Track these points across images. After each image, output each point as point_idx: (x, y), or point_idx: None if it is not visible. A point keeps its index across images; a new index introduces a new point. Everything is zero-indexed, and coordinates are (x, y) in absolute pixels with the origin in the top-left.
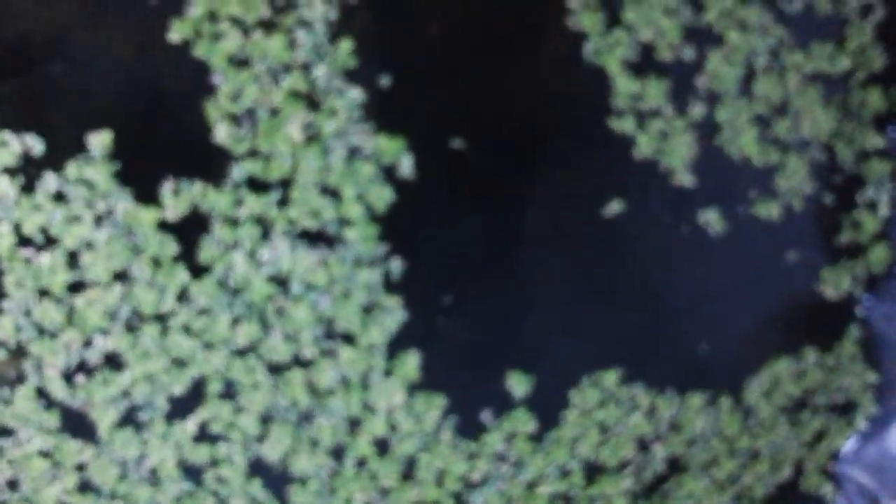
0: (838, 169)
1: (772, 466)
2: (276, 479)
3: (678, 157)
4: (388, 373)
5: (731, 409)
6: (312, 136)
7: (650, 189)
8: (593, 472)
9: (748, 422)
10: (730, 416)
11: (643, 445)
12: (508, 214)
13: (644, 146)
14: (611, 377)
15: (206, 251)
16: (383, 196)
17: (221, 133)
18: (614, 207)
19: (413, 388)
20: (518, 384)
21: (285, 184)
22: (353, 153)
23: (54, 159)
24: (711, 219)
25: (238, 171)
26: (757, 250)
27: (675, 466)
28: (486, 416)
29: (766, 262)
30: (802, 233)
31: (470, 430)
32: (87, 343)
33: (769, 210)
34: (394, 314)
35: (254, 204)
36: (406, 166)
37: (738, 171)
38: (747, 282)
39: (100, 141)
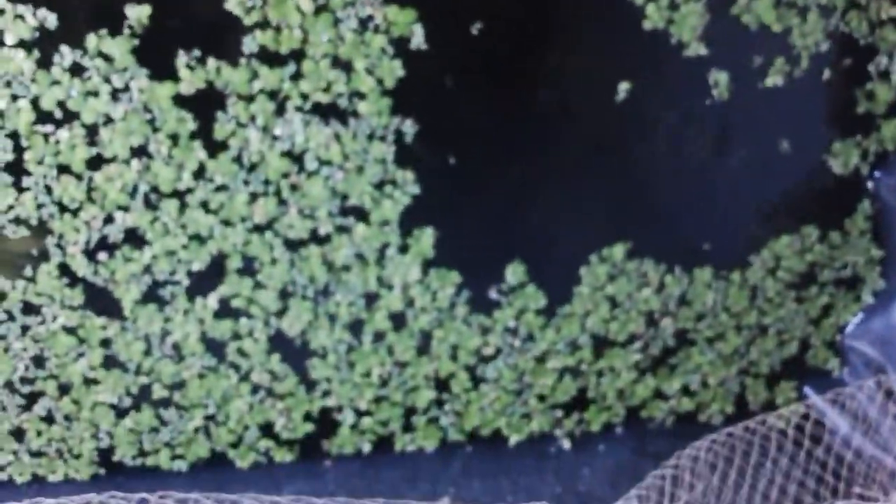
0: (851, 39)
1: (778, 341)
2: (295, 353)
3: (689, 27)
4: (403, 249)
5: (739, 286)
6: (322, 6)
7: (659, 64)
8: (602, 345)
9: (755, 298)
10: (738, 292)
11: (652, 320)
12: (520, 91)
13: (654, 17)
14: (618, 251)
15: (222, 128)
16: (394, 69)
17: (231, 1)
18: (624, 86)
19: (428, 265)
20: (514, 273)
21: (297, 57)
22: (364, 24)
23: (69, 34)
24: (720, 80)
25: (249, 43)
26: (766, 126)
27: (683, 340)
28: (494, 293)
29: (775, 137)
30: (813, 107)
31: (482, 306)
32: (108, 220)
33: (777, 80)
34: (406, 189)
35: (267, 78)
36: (418, 38)
37: (749, 40)
38: (756, 159)
39: (136, 14)
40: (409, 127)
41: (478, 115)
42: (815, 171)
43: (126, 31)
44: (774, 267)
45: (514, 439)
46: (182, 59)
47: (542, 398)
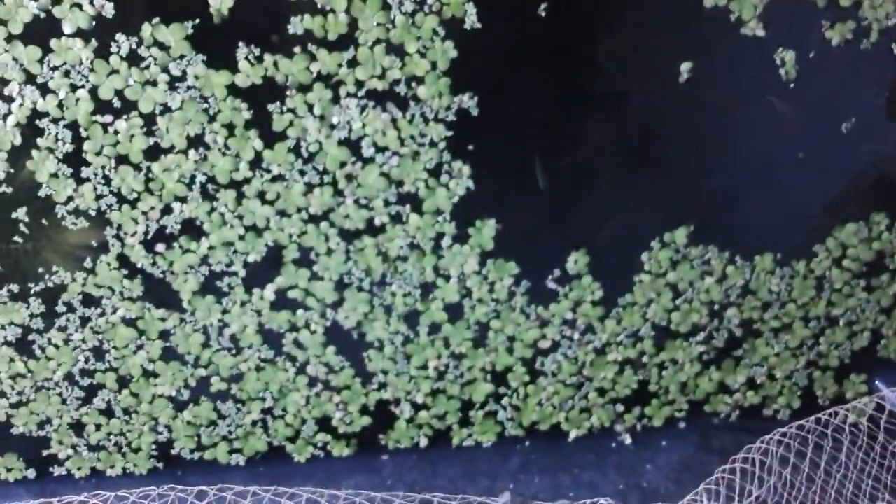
0: None
1: (848, 333)
2: (351, 345)
3: (749, 4)
4: (459, 239)
5: (805, 276)
6: None
7: (722, 43)
8: (664, 337)
9: (822, 288)
10: (803, 282)
11: (715, 310)
12: (578, 73)
13: None
14: (680, 235)
15: (279, 118)
16: (447, 51)
17: None
18: (686, 66)
19: (485, 256)
20: (577, 263)
21: (352, 43)
22: (418, 5)
23: (126, 22)
24: (787, 59)
25: (295, 25)
26: (832, 107)
27: (748, 332)
28: (551, 283)
29: (842, 118)
30: (883, 87)
31: (540, 297)
32: (166, 210)
33: (846, 58)
34: (461, 177)
35: (322, 65)
36: (471, 17)
37: (811, 18)
38: (821, 142)
39: (217, 2)
40: (472, 103)
41: (535, 100)
42: (883, 155)
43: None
44: (841, 256)
45: (573, 434)
46: (242, 51)
47: (602, 392)
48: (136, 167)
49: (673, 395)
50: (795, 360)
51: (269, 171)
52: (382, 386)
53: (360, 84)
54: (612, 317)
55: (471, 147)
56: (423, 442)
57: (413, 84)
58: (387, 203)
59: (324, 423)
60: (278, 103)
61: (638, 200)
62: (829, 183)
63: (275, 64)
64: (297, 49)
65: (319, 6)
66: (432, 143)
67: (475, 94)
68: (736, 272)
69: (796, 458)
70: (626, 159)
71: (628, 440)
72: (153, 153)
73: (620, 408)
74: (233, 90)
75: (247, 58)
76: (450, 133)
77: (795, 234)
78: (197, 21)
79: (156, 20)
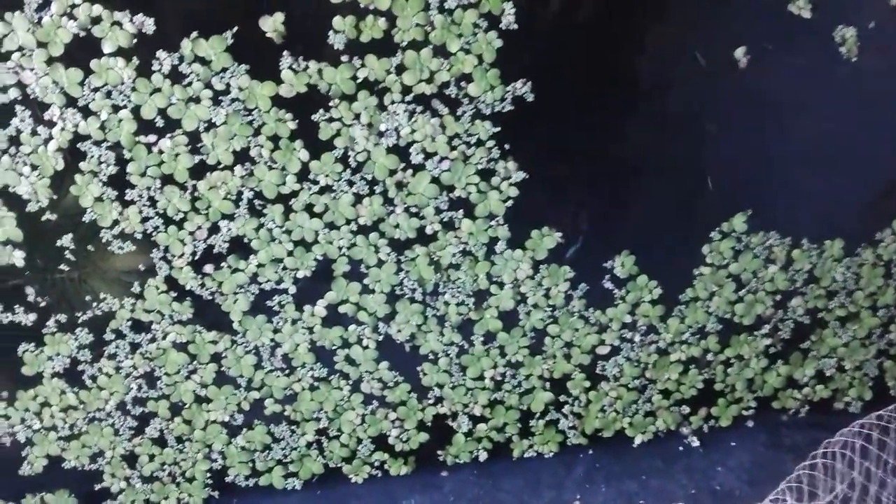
0: None
1: None
2: (405, 359)
3: None
4: (512, 244)
5: (873, 263)
6: None
7: (780, 26)
8: (728, 332)
9: (890, 275)
10: (871, 269)
11: (779, 301)
12: (628, 64)
13: None
14: (738, 222)
15: (326, 127)
16: (491, 42)
17: None
18: (740, 52)
19: (538, 262)
20: (624, 266)
21: (398, 47)
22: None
23: (166, 39)
24: (847, 36)
25: (339, 26)
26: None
27: (814, 322)
28: (607, 285)
29: None
30: None
31: (596, 301)
32: (213, 230)
33: None
34: (512, 179)
35: (370, 71)
36: (509, 15)
37: None
38: (887, 122)
39: (271, 24)
40: (526, 88)
41: (585, 89)
42: None
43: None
44: None
45: (638, 439)
46: (286, 61)
47: (666, 394)
48: (182, 186)
49: (740, 392)
50: (865, 349)
51: (316, 182)
52: (438, 400)
53: (407, 89)
54: (675, 315)
55: (519, 144)
56: (483, 456)
57: (462, 83)
58: (438, 210)
59: (380, 442)
60: (323, 111)
61: (693, 191)
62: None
63: (319, 72)
64: (344, 57)
65: (363, 6)
66: (480, 143)
67: (527, 79)
68: (802, 256)
69: (878, 450)
70: (678, 149)
71: (696, 442)
72: (198, 171)
73: (686, 409)
74: (277, 101)
75: (290, 67)
76: (497, 129)
77: (861, 219)
78: (236, 30)
79: (194, 34)
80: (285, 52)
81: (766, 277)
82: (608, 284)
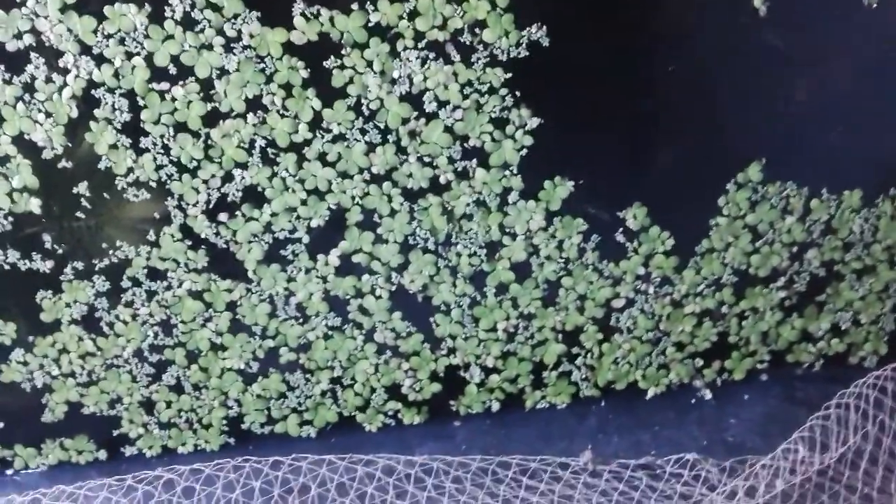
0: None
1: None
2: (418, 310)
3: None
4: (525, 195)
5: (892, 215)
6: None
7: None
8: (743, 285)
9: None
10: (889, 222)
11: (795, 252)
12: (644, 8)
13: None
14: (754, 171)
15: (338, 75)
16: None
17: None
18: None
19: (552, 213)
20: (636, 217)
21: None
22: None
23: None
24: None
25: None
26: None
27: (830, 275)
28: (620, 237)
29: None
30: None
31: (609, 253)
32: (227, 178)
33: None
34: (526, 127)
35: (383, 17)
36: None
37: None
38: None
39: None
40: (542, 33)
41: (599, 36)
42: None
43: None
44: None
45: (651, 392)
46: (298, 7)
47: (680, 346)
48: (195, 134)
49: (754, 346)
50: (881, 303)
51: (329, 130)
52: (451, 351)
53: (420, 36)
54: (691, 266)
55: (533, 92)
56: (496, 406)
57: (476, 30)
58: (451, 160)
59: (394, 391)
60: (334, 59)
61: (707, 139)
62: None
63: (331, 20)
64: (355, 5)
65: None
66: (493, 90)
67: (542, 23)
68: (820, 206)
69: (893, 403)
70: (693, 96)
71: (709, 395)
72: (211, 119)
73: (699, 362)
74: (289, 48)
75: (303, 13)
76: (509, 75)
77: (880, 171)
78: None
79: None
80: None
81: (782, 228)
82: (620, 237)
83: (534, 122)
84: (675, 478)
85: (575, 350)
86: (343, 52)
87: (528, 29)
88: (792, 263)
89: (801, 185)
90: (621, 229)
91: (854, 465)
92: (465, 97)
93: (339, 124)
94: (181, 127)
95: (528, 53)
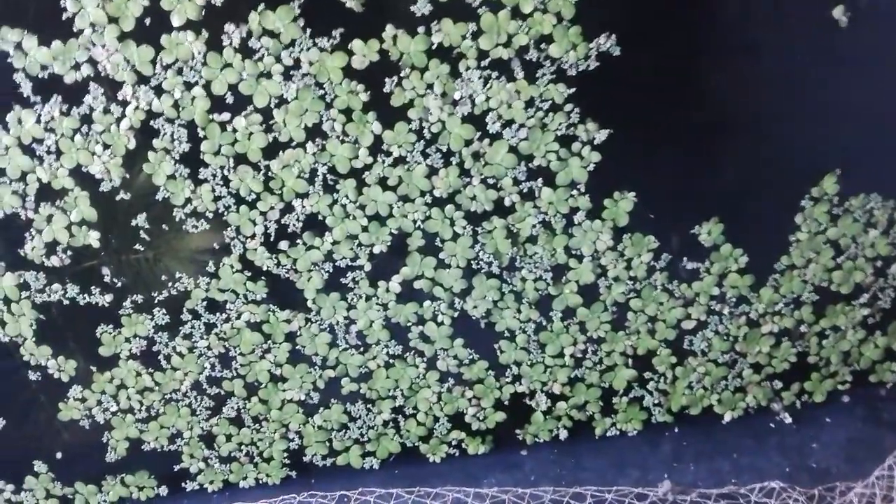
0: None
1: None
2: (482, 336)
3: None
4: (592, 214)
5: None
6: None
7: None
8: (824, 302)
9: None
10: None
11: (879, 267)
12: (718, 20)
13: None
14: (830, 182)
15: (399, 93)
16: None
17: None
18: (838, 11)
19: (620, 232)
20: (712, 232)
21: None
22: None
23: (235, 10)
24: None
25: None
26: None
27: None
28: (687, 260)
29: None
30: None
31: (681, 274)
32: (287, 209)
33: None
34: (595, 142)
35: (445, 36)
36: None
37: None
38: None
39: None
40: (611, 42)
41: (669, 48)
42: None
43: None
44: None
45: (728, 416)
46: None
47: (757, 368)
48: (255, 167)
49: (835, 366)
50: None
51: (389, 153)
52: (516, 378)
53: (483, 54)
54: (769, 284)
55: (602, 105)
56: (563, 434)
57: (542, 45)
58: (516, 181)
59: (457, 420)
60: (395, 78)
61: (782, 151)
62: None
63: (394, 38)
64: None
65: None
66: (556, 107)
67: (611, 33)
68: None
69: None
70: (765, 110)
71: (788, 419)
72: (271, 150)
73: (778, 385)
74: (348, 72)
75: (361, 36)
76: (573, 90)
77: None
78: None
79: (261, 7)
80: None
81: (865, 243)
82: (690, 258)
83: (602, 135)
84: None
85: (646, 374)
86: (402, 73)
87: (596, 40)
88: (876, 279)
89: (886, 196)
90: (690, 249)
91: None
92: (530, 117)
93: (399, 146)
94: (241, 158)
95: (598, 64)
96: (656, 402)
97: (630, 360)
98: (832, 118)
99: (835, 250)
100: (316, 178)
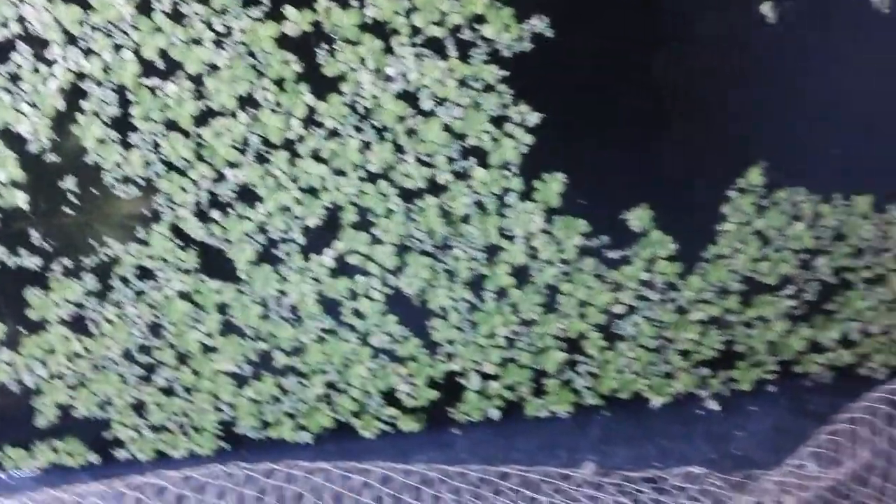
0: None
1: None
2: (415, 314)
3: None
4: (525, 196)
5: None
6: None
7: None
8: (751, 293)
9: None
10: None
11: (806, 260)
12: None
13: None
14: (755, 174)
15: (331, 64)
16: None
17: None
18: (767, 7)
19: (552, 213)
20: (642, 219)
21: None
22: None
23: None
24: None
25: None
26: None
27: (840, 283)
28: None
29: None
30: None
31: (612, 259)
32: (219, 177)
33: None
34: (525, 124)
35: (379, 12)
36: None
37: None
38: None
39: None
40: (544, 24)
41: (602, 34)
42: None
43: None
44: None
45: (657, 401)
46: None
47: (685, 354)
48: (186, 133)
49: (761, 355)
50: (892, 314)
51: (321, 125)
52: (449, 356)
53: (416, 31)
54: (697, 272)
55: (535, 88)
56: (496, 414)
57: (476, 25)
58: (450, 160)
59: (391, 397)
60: (327, 47)
61: (713, 142)
62: None
63: (327, 11)
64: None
65: None
66: (490, 88)
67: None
68: (830, 212)
69: None
70: (698, 102)
71: (715, 406)
72: (203, 119)
73: (706, 372)
74: (281, 43)
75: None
76: (506, 72)
77: (890, 176)
78: None
79: None
80: None
81: (792, 235)
82: (619, 240)
83: (535, 118)
84: (680, 492)
85: (578, 357)
86: (335, 45)
87: (528, 21)
88: (801, 271)
89: (812, 190)
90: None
91: (864, 482)
92: (464, 96)
93: (332, 119)
94: (172, 125)
95: (533, 46)
96: (587, 384)
97: (561, 343)
98: (764, 111)
99: (762, 241)
100: (248, 148)
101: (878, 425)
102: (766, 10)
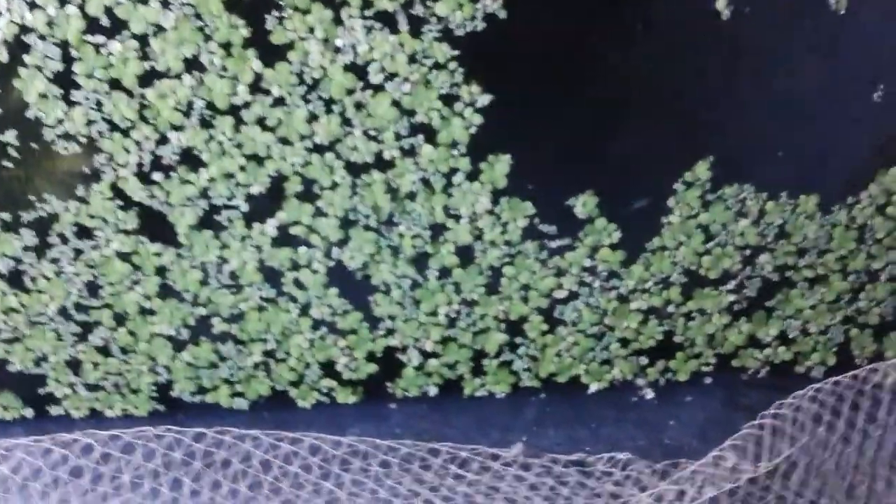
0: None
1: (891, 289)
2: (356, 288)
3: None
4: (472, 176)
5: (846, 225)
6: None
7: None
8: (692, 285)
9: (864, 239)
10: (843, 232)
11: (748, 257)
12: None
13: None
14: (703, 168)
15: (279, 32)
16: None
17: None
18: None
19: (498, 194)
20: (587, 205)
21: None
22: None
23: None
24: None
25: None
26: (881, 41)
27: (782, 281)
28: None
29: (891, 58)
30: None
31: (556, 244)
32: (162, 140)
33: None
34: (475, 105)
35: None
36: None
37: None
38: (868, 75)
39: None
40: (496, 5)
41: (557, 21)
42: None
43: None
44: (885, 203)
45: (593, 387)
46: None
47: (624, 343)
48: (130, 93)
49: (699, 347)
50: (831, 314)
51: (268, 92)
52: (390, 332)
53: (367, 4)
54: (640, 262)
55: (487, 68)
56: (433, 391)
57: (429, 2)
58: (398, 136)
59: (329, 369)
60: (276, 14)
61: (660, 136)
62: (874, 120)
63: None
64: None
65: None
66: (440, 66)
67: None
68: (775, 209)
69: (832, 417)
70: (649, 92)
71: (651, 395)
72: (148, 80)
73: (644, 360)
74: (229, 6)
75: None
76: (456, 52)
77: (839, 175)
78: None
79: None
80: None
81: (736, 231)
82: (564, 226)
83: (485, 99)
84: (606, 476)
85: (518, 340)
86: (284, 13)
87: (482, 1)
88: (744, 267)
89: (759, 188)
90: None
91: (786, 476)
92: (413, 72)
93: (280, 87)
94: (116, 85)
95: (485, 26)
96: (525, 367)
97: (502, 325)
98: (716, 106)
99: (705, 235)
100: (192, 112)
101: (804, 423)
102: (721, 5)
